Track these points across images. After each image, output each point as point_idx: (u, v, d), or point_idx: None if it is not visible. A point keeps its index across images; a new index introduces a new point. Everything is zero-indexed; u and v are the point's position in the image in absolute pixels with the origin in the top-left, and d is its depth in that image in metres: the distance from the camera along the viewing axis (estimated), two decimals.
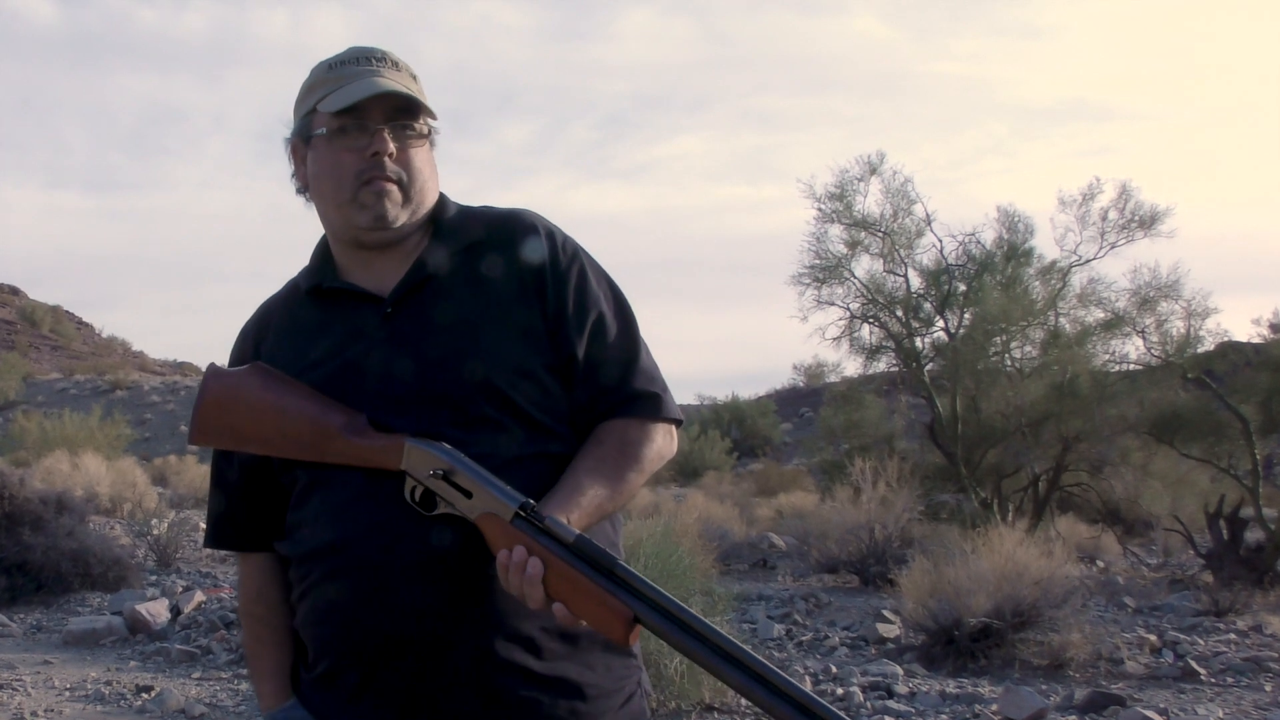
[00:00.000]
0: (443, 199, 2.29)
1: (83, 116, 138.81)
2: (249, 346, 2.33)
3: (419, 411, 2.12)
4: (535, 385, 2.17)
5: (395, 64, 2.20)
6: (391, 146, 2.15)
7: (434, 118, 2.21)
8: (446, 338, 2.16)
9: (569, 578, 1.95)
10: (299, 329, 2.27)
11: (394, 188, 2.16)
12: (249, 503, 2.32)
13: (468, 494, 2.02)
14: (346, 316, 2.22)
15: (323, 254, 2.31)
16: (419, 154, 2.20)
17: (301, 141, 2.23)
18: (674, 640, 1.92)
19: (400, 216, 2.18)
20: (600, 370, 2.23)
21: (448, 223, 2.26)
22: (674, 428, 2.31)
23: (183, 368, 65.25)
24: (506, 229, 2.26)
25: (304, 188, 2.27)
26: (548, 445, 2.17)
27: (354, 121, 2.15)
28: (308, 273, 2.31)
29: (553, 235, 2.27)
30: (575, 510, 2.06)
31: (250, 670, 2.43)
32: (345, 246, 2.25)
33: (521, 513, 1.99)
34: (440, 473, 2.03)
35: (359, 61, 2.18)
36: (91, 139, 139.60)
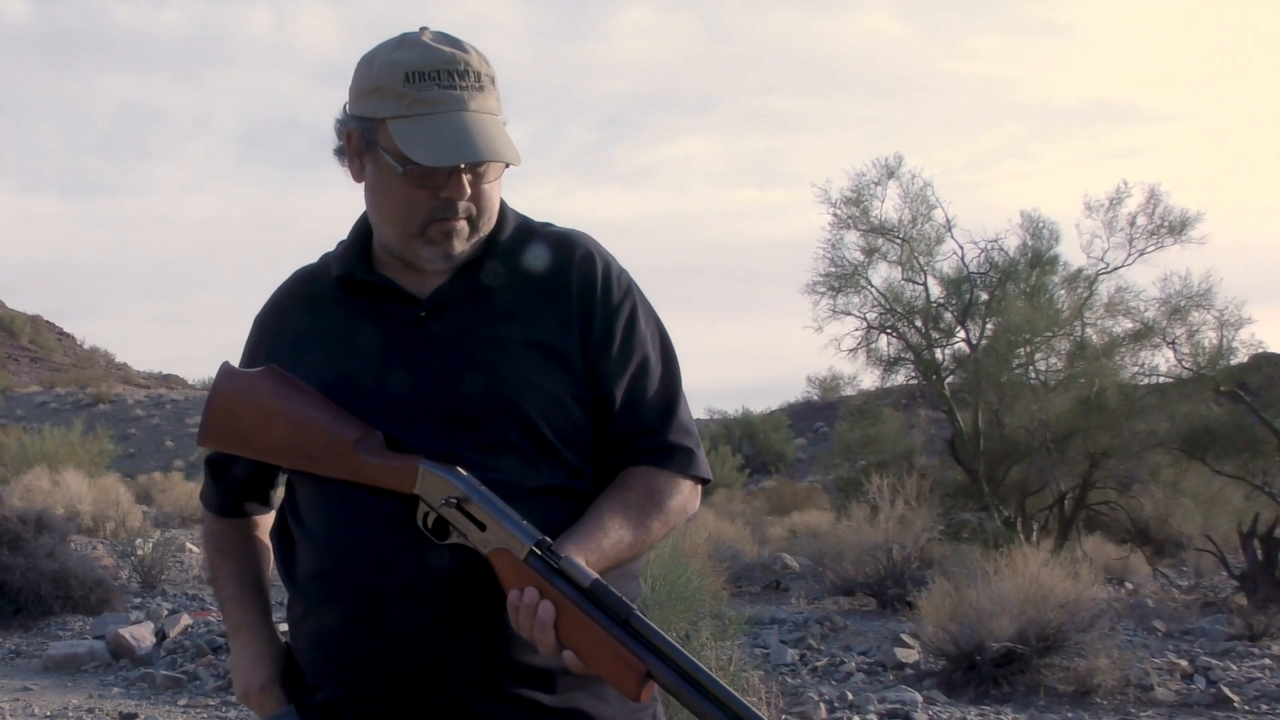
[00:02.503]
0: (502, 207, 2.27)
1: (57, 118, 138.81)
2: (265, 331, 2.33)
3: (439, 427, 2.11)
4: (562, 414, 2.16)
5: (479, 79, 2.14)
6: (468, 189, 2.13)
7: (517, 162, 2.16)
8: (478, 352, 2.15)
9: (582, 625, 1.93)
10: (321, 320, 2.25)
11: (464, 225, 2.15)
12: (248, 482, 2.40)
13: (481, 526, 2.00)
14: (375, 314, 2.21)
15: (361, 241, 2.28)
16: (492, 185, 2.18)
17: (362, 140, 2.17)
18: (688, 702, 1.90)
19: (465, 249, 2.17)
20: (636, 414, 2.23)
21: (506, 240, 2.25)
22: (700, 487, 2.30)
23: (168, 380, 65.28)
24: (561, 252, 2.25)
25: (353, 175, 2.23)
26: (567, 479, 2.16)
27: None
28: (340, 258, 2.28)
29: (609, 266, 2.27)
30: (595, 552, 2.04)
31: (215, 587, 2.51)
32: (386, 248, 2.24)
33: (536, 551, 1.96)
34: (454, 501, 2.01)
35: (441, 80, 2.10)
36: (67, 141, 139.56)
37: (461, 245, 2.16)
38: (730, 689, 1.89)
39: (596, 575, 1.95)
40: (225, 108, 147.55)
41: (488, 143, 2.08)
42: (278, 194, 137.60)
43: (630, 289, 2.28)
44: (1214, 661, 10.03)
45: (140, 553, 14.09)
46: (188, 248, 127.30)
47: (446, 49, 2.12)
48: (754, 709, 1.87)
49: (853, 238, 17.99)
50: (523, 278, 2.22)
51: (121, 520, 18.09)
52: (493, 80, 2.16)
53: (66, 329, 71.75)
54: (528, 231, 2.27)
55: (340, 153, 2.23)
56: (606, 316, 2.22)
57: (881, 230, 17.78)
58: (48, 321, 70.25)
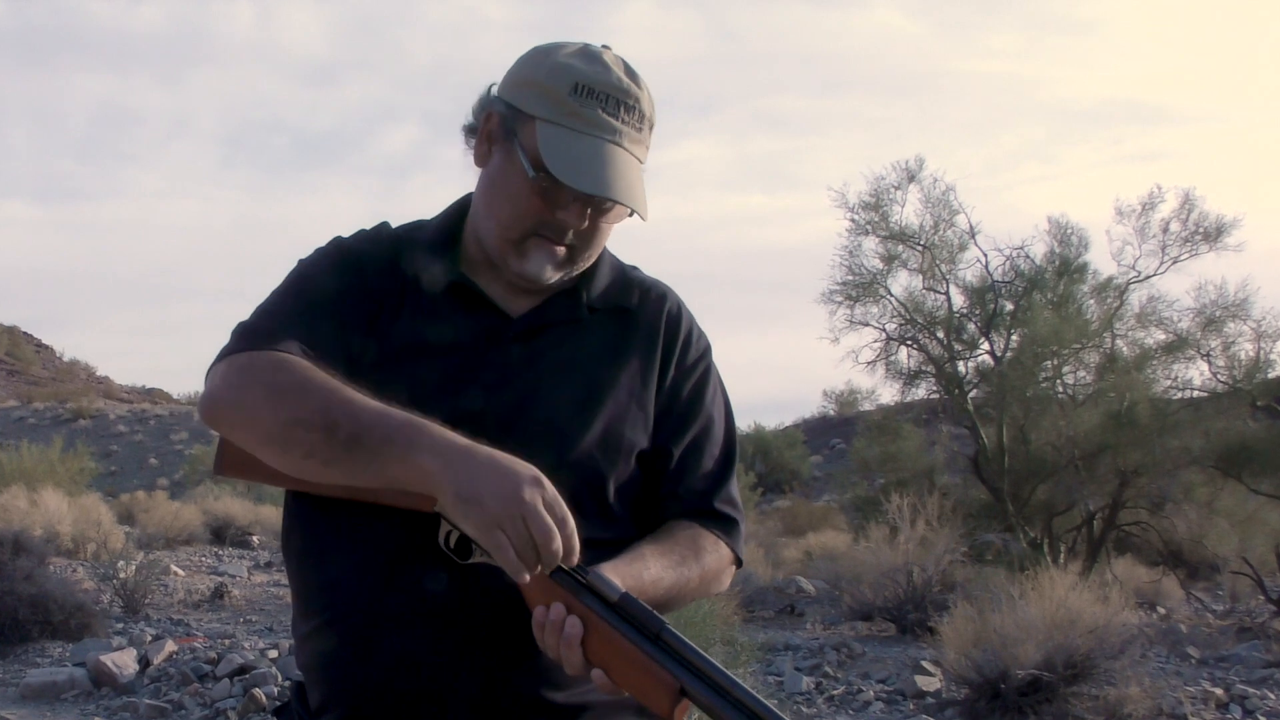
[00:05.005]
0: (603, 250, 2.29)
1: (29, 119, 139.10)
2: (364, 278, 2.20)
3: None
4: (626, 464, 2.20)
5: (642, 121, 2.15)
6: (585, 221, 2.14)
7: (646, 217, 2.16)
8: (561, 388, 2.18)
9: (611, 641, 1.92)
10: (413, 305, 2.21)
11: (563, 251, 2.16)
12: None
13: None
14: (462, 317, 2.20)
15: (454, 231, 2.28)
16: (606, 226, 2.19)
17: (501, 128, 2.17)
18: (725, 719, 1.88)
19: (554, 276, 2.18)
20: (689, 476, 2.28)
21: (601, 278, 2.28)
22: (733, 568, 2.34)
23: (152, 394, 65.35)
24: (655, 305, 2.31)
25: (476, 158, 2.23)
26: (612, 532, 2.17)
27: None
28: (429, 246, 2.25)
29: (693, 326, 2.35)
30: (633, 580, 2.03)
31: (317, 397, 1.98)
32: (480, 245, 2.23)
33: (562, 565, 1.95)
34: None
35: (607, 105, 2.10)
36: (40, 143, 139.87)
37: (553, 274, 2.18)
38: (770, 705, 1.88)
39: (625, 589, 1.95)
40: (206, 109, 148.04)
41: (627, 186, 2.10)
42: (262, 198, 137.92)
43: (707, 352, 2.36)
44: (1250, 690, 10.03)
45: (122, 576, 14.07)
46: (169, 255, 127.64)
47: (625, 79, 2.13)
48: None
49: (871, 244, 18.00)
50: (613, 320, 2.26)
51: (103, 542, 18.06)
52: (651, 127, 2.18)
53: (45, 340, 71.96)
54: (622, 275, 2.32)
55: (470, 131, 2.24)
56: (680, 374, 2.29)
57: (901, 236, 17.78)
58: (25, 333, 70.40)
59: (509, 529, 1.86)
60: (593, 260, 2.23)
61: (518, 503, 1.86)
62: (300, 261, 2.25)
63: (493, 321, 2.20)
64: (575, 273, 2.21)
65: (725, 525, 2.29)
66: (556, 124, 2.08)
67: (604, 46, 2.18)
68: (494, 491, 1.86)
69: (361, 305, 2.17)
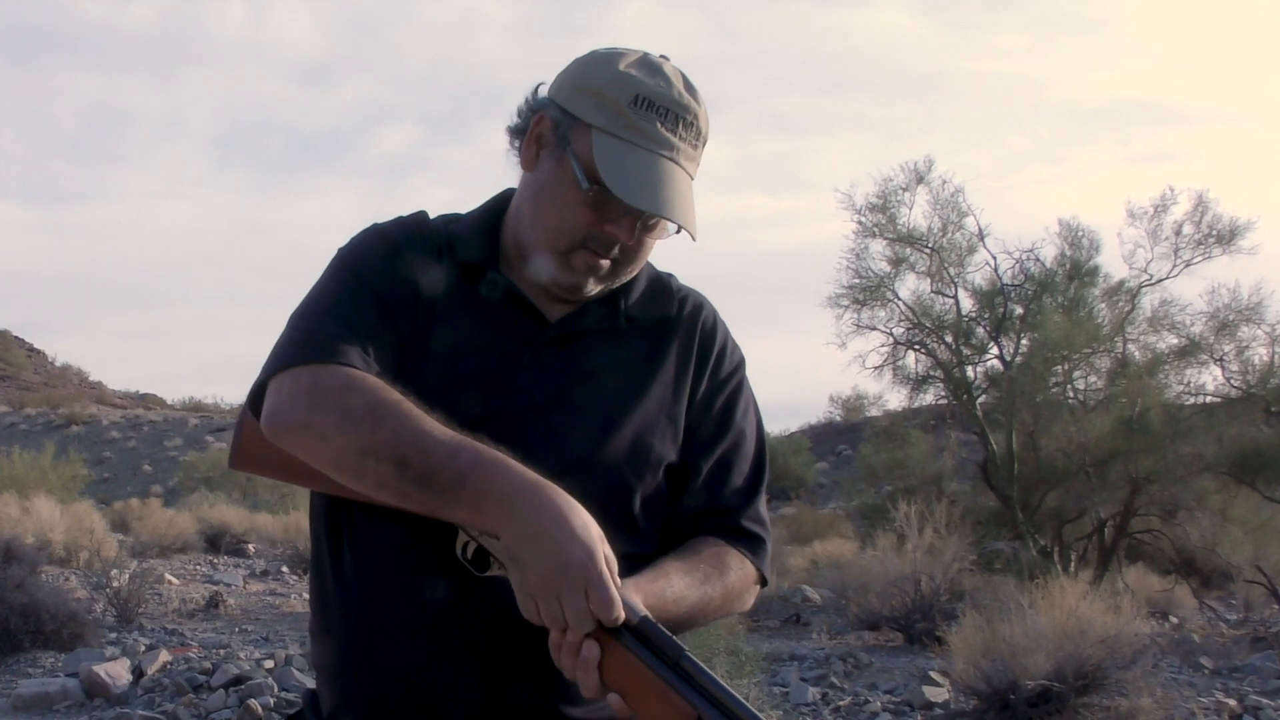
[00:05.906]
0: None
1: (19, 120, 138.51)
2: (399, 271, 2.19)
3: (529, 460, 2.01)
4: (653, 477, 2.19)
5: (698, 138, 2.14)
6: (634, 236, 2.13)
7: (695, 237, 2.15)
8: (590, 399, 2.17)
9: (629, 666, 1.90)
10: (448, 301, 2.20)
11: (607, 264, 2.15)
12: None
13: None
14: (497, 317, 2.19)
15: (491, 229, 2.27)
16: (652, 240, 2.18)
17: (553, 133, 2.14)
18: None
19: (595, 289, 2.18)
20: (717, 492, 2.26)
21: (639, 287, 2.27)
22: (757, 587, 2.32)
23: (145, 400, 65.31)
24: (691, 313, 2.30)
25: (524, 161, 2.21)
26: (634, 546, 2.14)
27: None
28: (467, 241, 2.24)
29: (728, 338, 2.34)
30: (655, 598, 2.02)
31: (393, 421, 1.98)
32: (520, 249, 2.22)
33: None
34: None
35: (667, 119, 2.09)
36: (30, 144, 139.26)
37: (595, 286, 2.17)
38: None
39: (646, 612, 1.93)
40: (199, 109, 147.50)
41: (680, 203, 2.09)
42: (257, 200, 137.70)
43: (740, 367, 2.35)
44: (1265, 701, 10.02)
45: (116, 584, 14.06)
46: (163, 258, 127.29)
47: (685, 94, 2.12)
48: None
49: (878, 247, 18.02)
50: (649, 330, 2.26)
51: (96, 550, 18.03)
52: (704, 144, 2.17)
53: (37, 345, 71.82)
54: (660, 284, 2.31)
55: (517, 132, 2.22)
56: (712, 388, 2.28)
57: (909, 239, 17.79)
58: (16, 337, 70.27)
59: (542, 604, 1.88)
60: (634, 274, 2.22)
61: (556, 583, 1.86)
62: (340, 251, 2.24)
63: (529, 325, 2.19)
64: (614, 285, 2.21)
65: (751, 544, 2.27)
66: (614, 135, 2.07)
67: (663, 57, 2.17)
68: (538, 563, 1.87)
69: (406, 298, 2.16)
